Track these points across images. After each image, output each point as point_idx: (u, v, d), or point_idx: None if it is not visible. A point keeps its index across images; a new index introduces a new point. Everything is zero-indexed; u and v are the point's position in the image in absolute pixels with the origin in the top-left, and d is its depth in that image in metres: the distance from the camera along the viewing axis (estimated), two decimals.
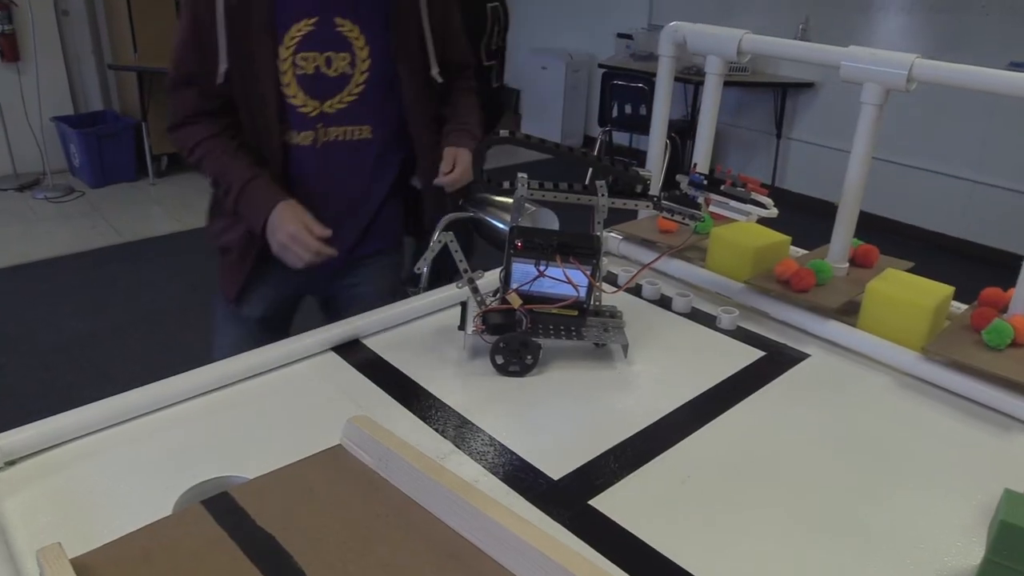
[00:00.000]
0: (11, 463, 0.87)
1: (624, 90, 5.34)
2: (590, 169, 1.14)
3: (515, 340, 1.07)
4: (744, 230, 1.39)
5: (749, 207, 1.09)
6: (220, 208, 1.53)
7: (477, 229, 1.35)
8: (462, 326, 1.14)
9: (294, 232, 1.37)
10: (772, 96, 5.32)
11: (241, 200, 1.42)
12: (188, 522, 0.69)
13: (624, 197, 1.13)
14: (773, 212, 1.11)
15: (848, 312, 1.24)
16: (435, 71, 1.51)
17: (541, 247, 1.08)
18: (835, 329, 1.21)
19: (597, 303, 1.17)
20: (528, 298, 1.09)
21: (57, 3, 4.90)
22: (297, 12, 1.37)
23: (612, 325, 1.15)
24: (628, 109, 5.39)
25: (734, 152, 5.65)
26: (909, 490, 0.91)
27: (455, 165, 1.50)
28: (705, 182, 1.11)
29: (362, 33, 1.42)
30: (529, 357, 1.08)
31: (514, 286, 1.11)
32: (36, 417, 0.91)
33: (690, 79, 4.99)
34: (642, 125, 5.16)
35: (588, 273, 1.09)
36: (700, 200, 1.12)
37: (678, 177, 1.14)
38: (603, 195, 1.11)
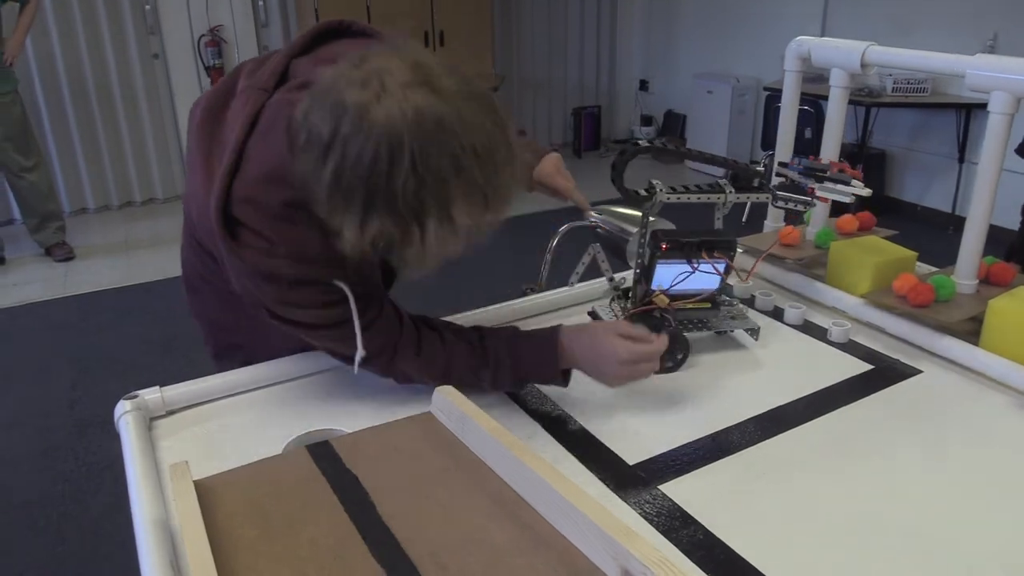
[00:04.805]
0: (171, 412, 1.04)
1: None
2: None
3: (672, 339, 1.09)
4: (866, 245, 1.36)
5: (841, 187, 1.15)
6: None
7: (597, 238, 1.42)
8: None
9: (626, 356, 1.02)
10: (954, 117, 4.96)
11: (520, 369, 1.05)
12: (292, 461, 0.81)
13: (744, 192, 1.19)
14: (867, 191, 1.14)
15: (975, 333, 1.19)
16: None
17: (686, 246, 1.13)
18: (950, 345, 1.16)
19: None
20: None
21: (259, 40, 5.47)
22: None
23: (737, 313, 1.21)
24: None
25: (911, 177, 5.31)
26: (1012, 510, 0.87)
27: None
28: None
29: None
30: (680, 354, 1.14)
31: (655, 286, 1.16)
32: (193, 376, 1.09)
33: (861, 101, 4.77)
34: (807, 148, 4.98)
35: (729, 263, 1.15)
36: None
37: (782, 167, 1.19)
38: (729, 192, 1.17)
